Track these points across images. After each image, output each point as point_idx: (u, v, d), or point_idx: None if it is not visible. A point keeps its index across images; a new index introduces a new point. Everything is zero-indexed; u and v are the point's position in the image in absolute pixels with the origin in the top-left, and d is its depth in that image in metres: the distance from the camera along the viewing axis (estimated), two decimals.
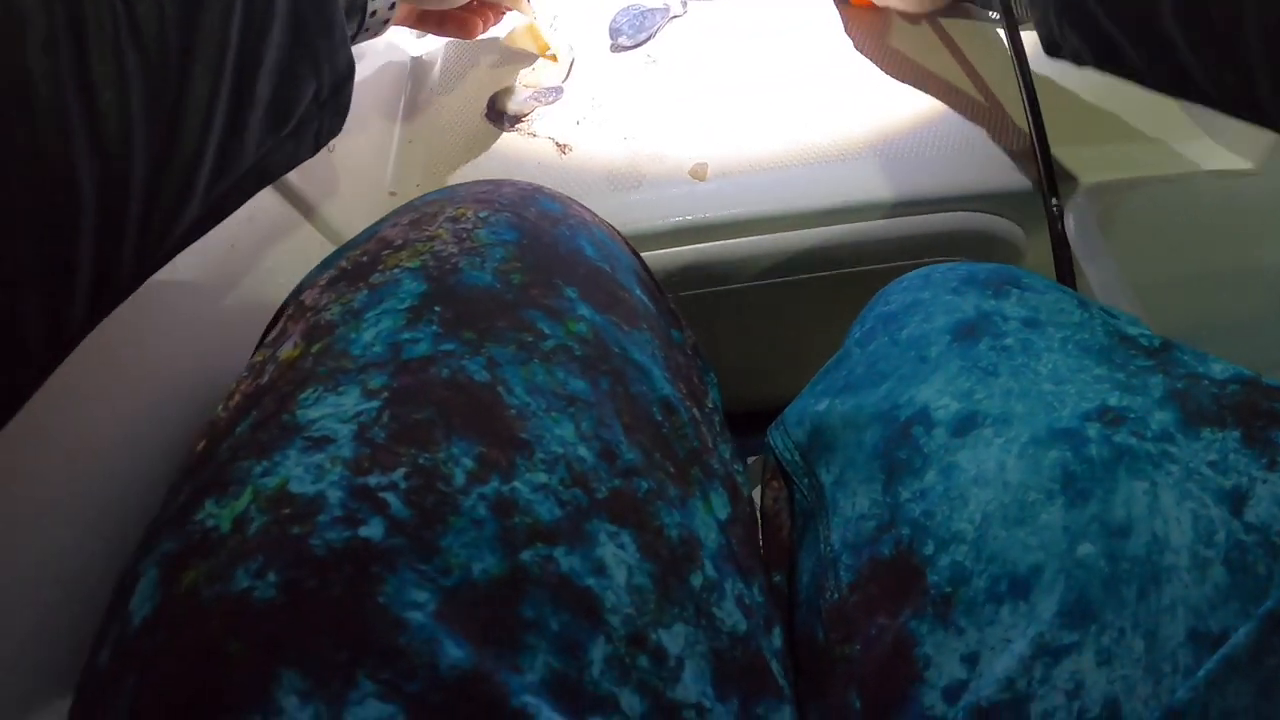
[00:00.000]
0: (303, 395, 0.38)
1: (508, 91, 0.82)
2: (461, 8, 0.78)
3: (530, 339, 0.41)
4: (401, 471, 0.35)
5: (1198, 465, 0.38)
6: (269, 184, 0.53)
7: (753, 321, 0.81)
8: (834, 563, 0.45)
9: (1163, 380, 0.42)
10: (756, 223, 0.72)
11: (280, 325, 0.45)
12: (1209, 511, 0.37)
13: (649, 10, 0.86)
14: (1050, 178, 0.68)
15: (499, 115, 0.81)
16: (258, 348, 0.47)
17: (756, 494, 0.55)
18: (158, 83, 0.39)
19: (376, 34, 0.64)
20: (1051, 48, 0.63)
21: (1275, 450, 0.38)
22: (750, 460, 0.86)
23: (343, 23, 0.51)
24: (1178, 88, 0.53)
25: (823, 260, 0.74)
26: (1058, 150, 0.69)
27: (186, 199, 0.42)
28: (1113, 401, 0.41)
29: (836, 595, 0.44)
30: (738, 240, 0.73)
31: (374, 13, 0.60)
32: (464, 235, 0.45)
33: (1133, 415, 0.40)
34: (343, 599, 0.31)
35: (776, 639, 0.44)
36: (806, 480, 0.50)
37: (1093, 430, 0.40)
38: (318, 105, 0.51)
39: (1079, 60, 0.61)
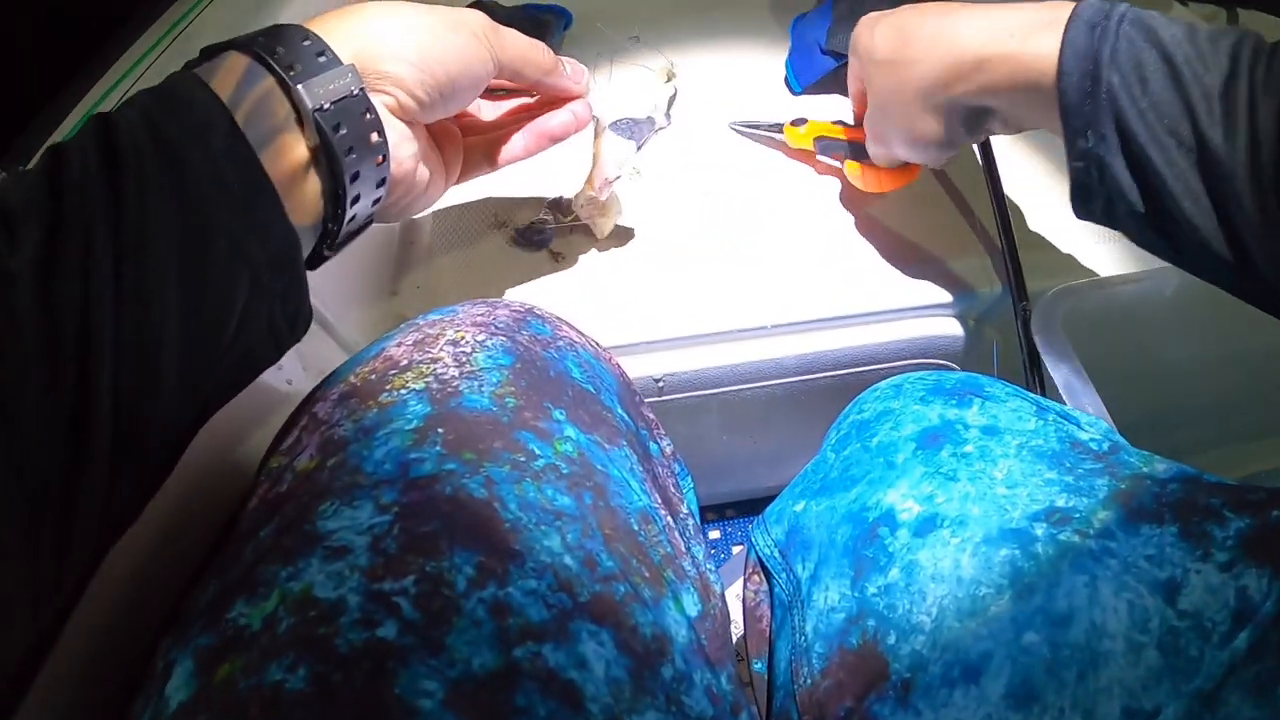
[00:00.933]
0: (321, 507, 0.42)
1: (540, 223, 0.82)
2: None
3: (523, 459, 0.45)
4: (411, 578, 0.39)
5: (1135, 559, 0.42)
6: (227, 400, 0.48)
7: (738, 422, 0.84)
8: (807, 651, 0.49)
9: (1109, 482, 0.46)
10: (739, 332, 0.76)
11: (295, 435, 0.49)
12: (1144, 601, 0.41)
13: (639, 122, 0.91)
14: (1019, 284, 0.72)
15: (529, 240, 0.82)
16: (272, 452, 0.50)
17: (738, 586, 0.59)
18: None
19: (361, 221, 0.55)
20: (1087, 215, 0.58)
21: (1209, 542, 0.41)
22: (735, 551, 0.89)
23: (271, 190, 0.44)
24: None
25: (803, 366, 0.77)
26: (1026, 255, 0.74)
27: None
28: (1060, 503, 0.45)
29: (810, 681, 0.48)
30: (721, 346, 0.76)
31: (356, 198, 0.51)
32: (464, 359, 0.49)
33: (1078, 515, 0.44)
34: (365, 690, 0.35)
35: None
36: (784, 575, 0.54)
37: (1040, 530, 0.44)
38: (259, 294, 0.45)
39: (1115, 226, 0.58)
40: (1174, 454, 0.50)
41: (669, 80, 0.78)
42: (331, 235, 0.50)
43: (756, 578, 0.58)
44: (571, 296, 0.78)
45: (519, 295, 0.78)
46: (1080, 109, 0.51)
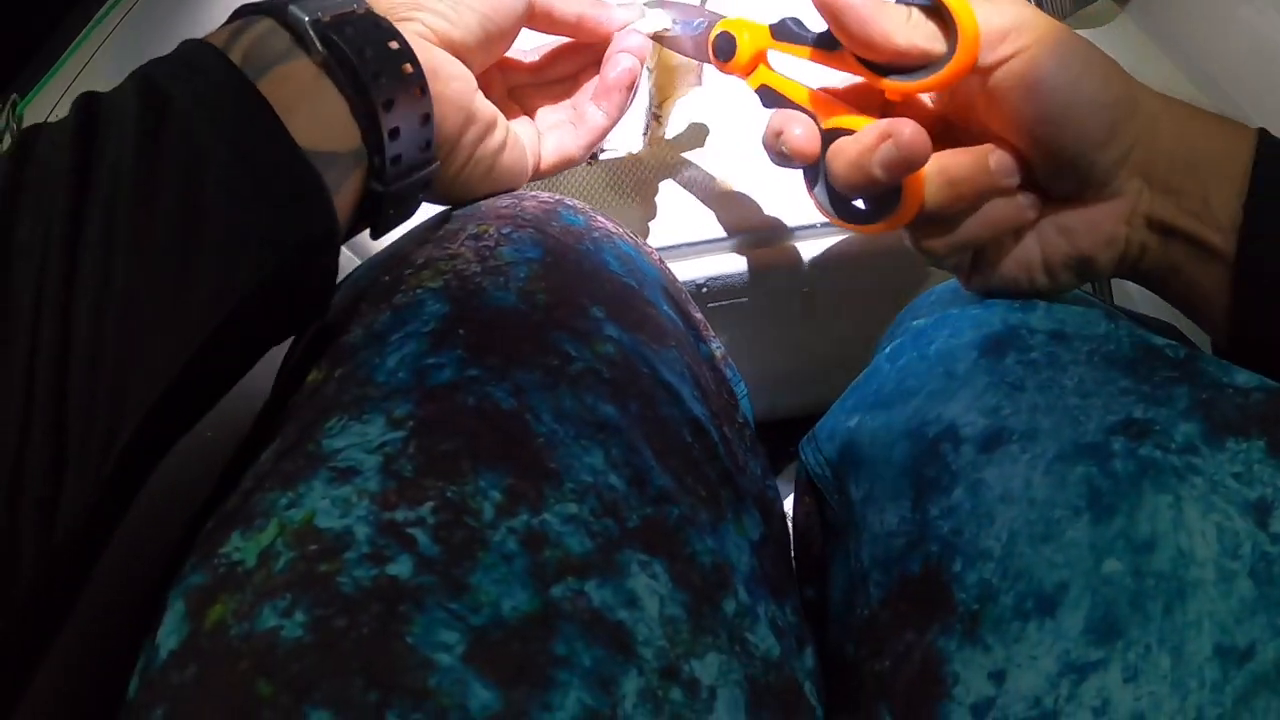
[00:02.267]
0: (327, 424, 0.38)
1: None
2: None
3: (557, 363, 0.40)
4: (429, 506, 0.35)
5: (1222, 477, 0.38)
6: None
7: (786, 330, 0.81)
8: (864, 579, 0.46)
9: (1188, 390, 0.41)
10: (786, 231, 0.72)
11: (303, 345, 0.45)
12: (1234, 524, 0.37)
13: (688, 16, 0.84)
14: None
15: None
16: (282, 366, 0.46)
17: (789, 504, 0.55)
18: None
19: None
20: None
21: None
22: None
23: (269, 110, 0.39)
24: None
25: (853, 267, 0.73)
26: None
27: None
28: (1138, 414, 0.41)
29: (866, 611, 0.45)
30: (766, 249, 0.72)
31: (395, 131, 0.44)
32: (486, 253, 0.44)
33: (1158, 428, 0.40)
34: (372, 639, 0.31)
35: (809, 659, 0.44)
36: (837, 496, 0.50)
37: (1118, 444, 0.40)
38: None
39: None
40: None
41: None
42: (379, 170, 0.43)
43: (808, 498, 0.55)
44: (607, 196, 0.74)
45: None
46: None
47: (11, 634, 0.33)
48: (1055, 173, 0.45)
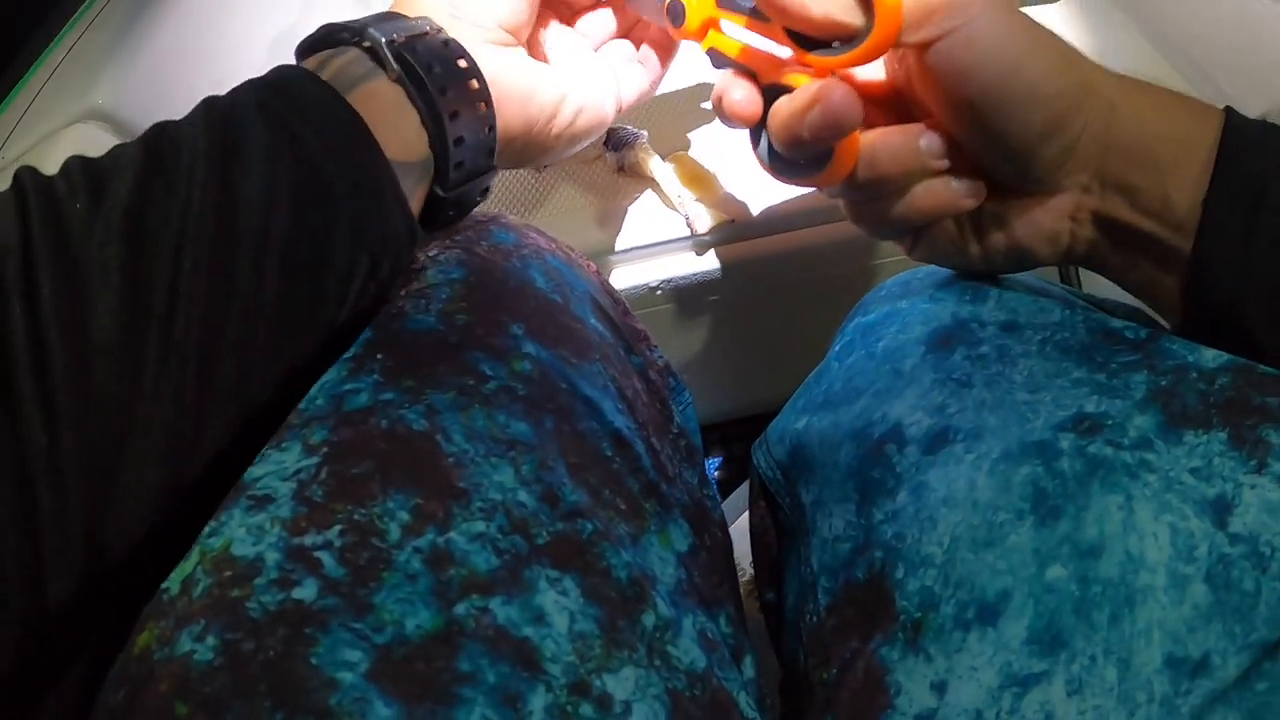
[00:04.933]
0: None
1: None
2: None
3: (471, 383, 0.40)
4: (337, 529, 0.35)
5: (1178, 473, 0.36)
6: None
7: (740, 329, 0.80)
8: (813, 585, 0.44)
9: (1146, 376, 0.39)
10: (738, 230, 0.71)
11: None
12: (1189, 524, 0.35)
13: None
14: None
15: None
16: None
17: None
18: None
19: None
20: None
21: (1265, 450, 0.35)
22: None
23: (361, 123, 0.43)
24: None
25: (806, 263, 0.72)
26: None
27: None
28: (1090, 408, 0.39)
29: (815, 619, 0.43)
30: (722, 248, 0.72)
31: (459, 164, 0.47)
32: (412, 276, 0.45)
33: (1110, 422, 0.38)
34: (277, 661, 0.32)
35: (749, 668, 0.43)
36: (788, 499, 0.49)
37: (1066, 442, 0.38)
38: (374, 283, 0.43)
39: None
40: None
41: None
42: (442, 172, 0.46)
43: (762, 502, 0.53)
44: (555, 206, 0.74)
45: (499, 208, 0.74)
46: None
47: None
48: (993, 162, 0.43)
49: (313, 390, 0.39)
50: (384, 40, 0.44)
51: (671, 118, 0.77)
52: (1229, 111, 0.41)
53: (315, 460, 0.37)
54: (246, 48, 0.80)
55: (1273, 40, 0.65)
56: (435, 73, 0.45)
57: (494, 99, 0.47)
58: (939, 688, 0.37)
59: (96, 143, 0.64)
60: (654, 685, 0.37)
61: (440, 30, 0.47)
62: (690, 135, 0.76)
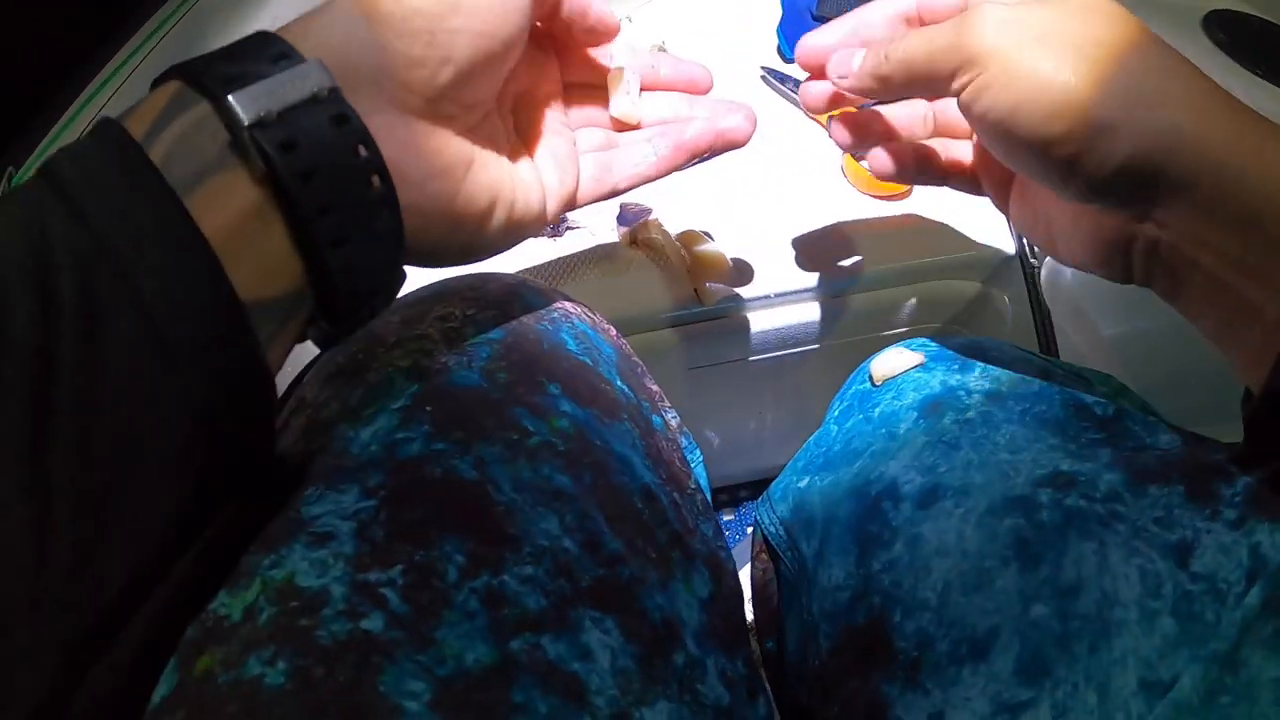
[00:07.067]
0: (306, 492, 0.40)
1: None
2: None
3: (516, 437, 0.43)
4: (399, 568, 0.37)
5: (1145, 522, 0.41)
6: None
7: (747, 395, 0.83)
8: (815, 631, 0.48)
9: (1110, 452, 0.44)
10: (744, 302, 0.74)
11: (284, 418, 0.46)
12: (1156, 566, 0.39)
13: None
14: (1030, 242, 0.71)
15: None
16: None
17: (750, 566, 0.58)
18: None
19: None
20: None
21: (1217, 501, 0.40)
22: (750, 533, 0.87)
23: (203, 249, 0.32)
24: None
25: (807, 335, 0.76)
26: None
27: None
28: (1065, 466, 0.44)
29: (818, 662, 0.47)
30: (730, 319, 0.75)
31: (342, 240, 0.36)
32: (452, 334, 0.46)
33: (1083, 479, 0.43)
34: (347, 686, 0.34)
35: (761, 707, 0.46)
36: (790, 553, 0.53)
37: (1045, 496, 0.43)
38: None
39: None
40: (1190, 418, 0.48)
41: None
42: (326, 300, 0.37)
43: (764, 556, 0.57)
44: (568, 274, 0.76)
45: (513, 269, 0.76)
46: None
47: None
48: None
49: (364, 436, 0.41)
50: (245, 121, 0.33)
51: (681, 194, 0.80)
52: None
53: (374, 503, 0.39)
54: None
55: None
56: (314, 186, 0.34)
57: (406, 199, 0.38)
58: (937, 717, 0.41)
59: None
60: (685, 719, 0.40)
61: (332, 89, 0.35)
62: (699, 210, 0.79)
